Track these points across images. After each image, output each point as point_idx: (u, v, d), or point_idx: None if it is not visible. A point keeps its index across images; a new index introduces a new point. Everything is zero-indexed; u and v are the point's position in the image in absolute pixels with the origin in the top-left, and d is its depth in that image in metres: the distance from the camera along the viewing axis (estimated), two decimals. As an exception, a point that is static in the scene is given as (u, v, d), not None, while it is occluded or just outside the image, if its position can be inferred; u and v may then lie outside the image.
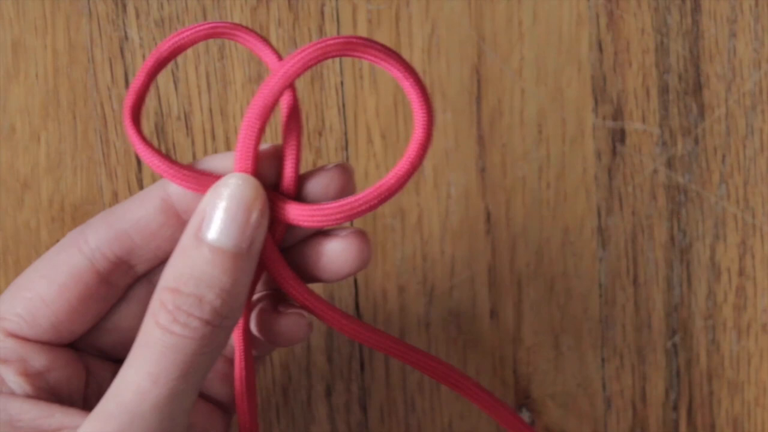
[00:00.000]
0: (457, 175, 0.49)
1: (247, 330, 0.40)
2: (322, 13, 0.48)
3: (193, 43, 0.38)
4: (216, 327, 0.36)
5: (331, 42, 0.37)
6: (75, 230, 0.39)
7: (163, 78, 0.49)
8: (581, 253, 0.50)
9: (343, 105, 0.49)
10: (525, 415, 0.51)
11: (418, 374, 0.50)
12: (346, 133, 0.49)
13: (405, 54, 0.49)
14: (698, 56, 0.49)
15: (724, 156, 0.49)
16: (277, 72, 0.37)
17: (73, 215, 0.49)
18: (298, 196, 0.38)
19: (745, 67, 0.49)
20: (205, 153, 0.49)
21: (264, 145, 0.38)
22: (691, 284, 0.50)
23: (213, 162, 0.38)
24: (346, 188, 0.38)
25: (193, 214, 0.37)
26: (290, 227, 0.39)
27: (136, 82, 0.38)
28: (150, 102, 0.49)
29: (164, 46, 0.38)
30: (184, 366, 0.36)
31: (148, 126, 0.49)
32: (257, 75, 0.49)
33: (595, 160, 0.49)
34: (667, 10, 0.48)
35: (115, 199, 0.49)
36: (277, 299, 0.40)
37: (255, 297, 0.40)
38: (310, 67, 0.37)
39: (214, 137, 0.49)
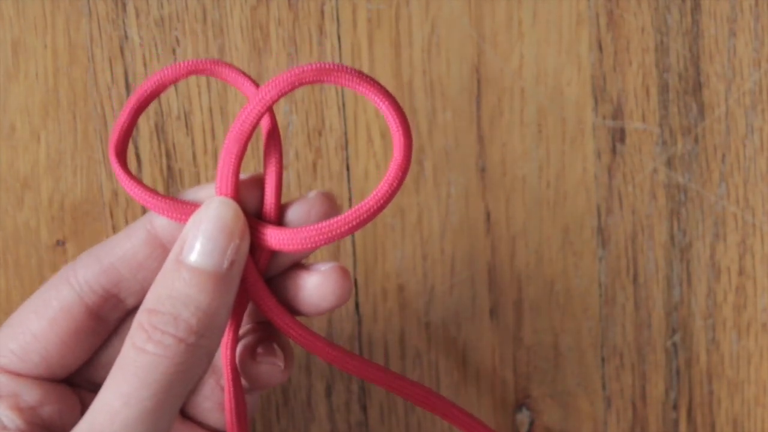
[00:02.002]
0: (457, 175, 0.49)
1: (234, 361, 0.40)
2: (322, 12, 0.48)
3: (174, 81, 0.39)
4: (191, 346, 0.36)
5: (306, 68, 0.37)
6: (66, 266, 0.40)
7: (163, 77, 0.49)
8: (581, 253, 0.50)
9: (343, 105, 0.49)
10: (525, 415, 0.51)
11: (418, 373, 0.50)
12: (346, 133, 0.49)
13: (405, 53, 0.49)
14: (698, 56, 0.49)
15: (724, 155, 0.49)
16: (253, 99, 0.38)
17: (73, 215, 0.49)
18: (280, 223, 0.39)
19: (745, 67, 0.49)
20: (205, 153, 0.49)
21: (245, 174, 0.39)
22: (691, 284, 0.50)
23: (197, 193, 0.39)
24: (329, 214, 0.39)
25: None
26: (273, 256, 0.39)
27: (119, 120, 0.39)
28: (150, 101, 0.49)
29: (146, 85, 0.39)
30: (157, 386, 0.36)
31: (148, 126, 0.49)
32: (257, 75, 0.49)
33: (595, 159, 0.49)
34: (667, 10, 0.48)
35: (115, 198, 0.49)
36: (262, 333, 0.40)
37: (241, 331, 0.40)
38: (285, 94, 0.37)
39: (214, 137, 0.49)
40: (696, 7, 0.48)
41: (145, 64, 0.49)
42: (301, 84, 0.37)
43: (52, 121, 0.49)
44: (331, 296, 0.38)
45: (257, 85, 0.38)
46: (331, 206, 0.39)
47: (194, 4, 0.48)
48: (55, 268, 0.49)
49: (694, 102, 0.49)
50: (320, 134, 0.49)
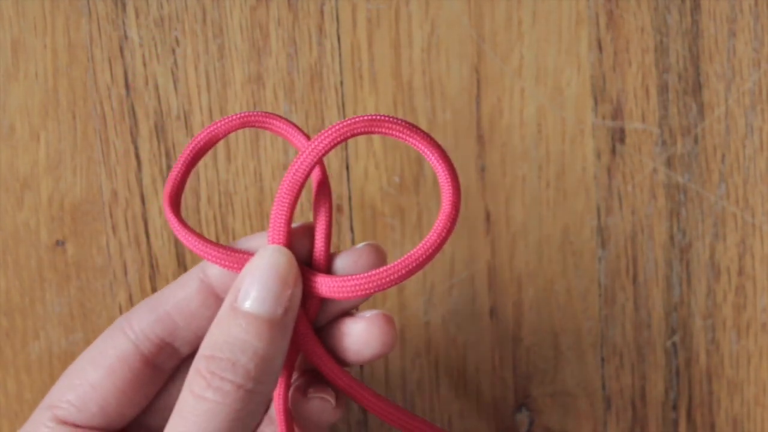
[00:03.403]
0: (457, 175, 0.49)
1: (288, 411, 0.40)
2: (322, 12, 0.48)
3: (227, 132, 0.40)
4: (249, 392, 0.36)
5: (357, 120, 0.38)
6: (121, 317, 0.41)
7: (163, 77, 0.49)
8: (581, 253, 0.50)
9: (343, 104, 0.49)
10: (525, 415, 0.51)
11: (418, 374, 0.50)
12: (345, 133, 0.49)
13: (405, 53, 0.49)
14: (698, 56, 0.49)
15: (723, 155, 0.49)
16: (305, 150, 0.38)
17: (73, 215, 0.49)
18: (329, 272, 0.39)
19: (744, 67, 0.49)
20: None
21: (295, 224, 0.39)
22: (691, 284, 0.50)
23: (249, 242, 0.39)
24: (376, 265, 0.39)
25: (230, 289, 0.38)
26: (322, 305, 0.39)
27: (174, 172, 0.40)
28: (149, 101, 0.49)
29: (200, 136, 0.40)
30: None
31: (147, 126, 0.49)
32: (257, 75, 0.49)
33: (595, 159, 0.49)
34: (667, 10, 0.48)
35: (115, 198, 0.49)
36: (311, 382, 0.41)
37: (293, 380, 0.41)
38: (336, 144, 0.38)
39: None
40: (696, 7, 0.48)
41: (144, 64, 0.49)
42: (352, 135, 0.38)
43: (52, 121, 0.49)
44: (375, 342, 0.39)
45: (308, 137, 0.39)
46: (379, 257, 0.39)
47: (194, 4, 0.48)
48: (55, 268, 0.49)
49: (693, 102, 0.49)
50: (320, 134, 0.49)
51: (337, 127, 0.38)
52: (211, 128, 0.40)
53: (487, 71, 0.49)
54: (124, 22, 0.48)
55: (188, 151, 0.40)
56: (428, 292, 0.50)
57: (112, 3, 0.48)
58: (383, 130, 0.38)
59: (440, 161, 0.38)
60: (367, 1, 0.48)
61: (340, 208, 0.49)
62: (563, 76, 0.49)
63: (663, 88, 0.49)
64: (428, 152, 0.38)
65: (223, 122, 0.40)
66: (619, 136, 0.49)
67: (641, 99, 0.49)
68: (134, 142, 0.49)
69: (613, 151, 0.49)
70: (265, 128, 0.40)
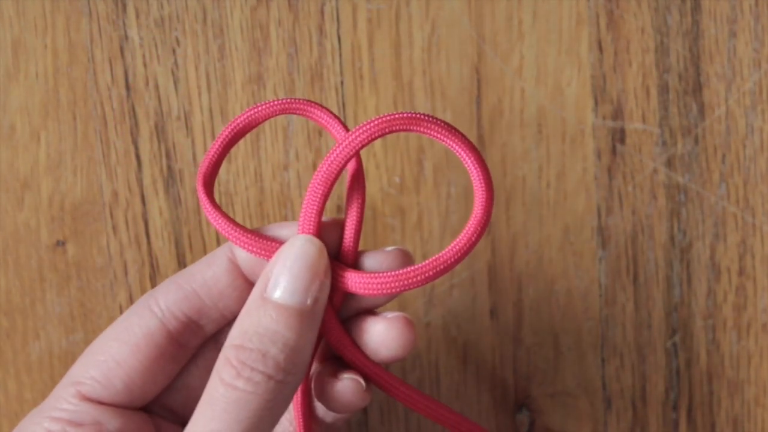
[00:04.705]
0: (457, 175, 0.49)
1: (305, 401, 0.40)
2: (322, 12, 0.48)
3: (267, 117, 0.39)
4: (279, 382, 0.36)
5: (397, 116, 0.38)
6: (147, 293, 0.41)
7: (163, 78, 0.49)
8: (581, 253, 0.50)
9: (343, 105, 0.49)
10: (525, 415, 0.51)
11: (418, 374, 0.50)
12: (346, 133, 0.49)
13: (405, 54, 0.49)
14: (698, 56, 0.49)
15: (724, 155, 0.49)
16: (342, 142, 0.38)
17: (73, 215, 0.49)
18: (356, 268, 0.39)
19: (745, 67, 0.49)
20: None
21: (325, 218, 0.39)
22: (691, 284, 0.50)
23: (279, 230, 0.39)
24: (402, 267, 0.39)
25: (259, 277, 0.38)
26: (345, 300, 0.39)
27: (210, 152, 0.39)
28: (150, 102, 0.49)
29: (240, 118, 0.40)
30: (246, 422, 0.36)
31: (148, 126, 0.49)
32: (257, 75, 0.49)
33: (595, 159, 0.49)
34: (667, 10, 0.48)
35: (115, 198, 0.49)
36: (338, 368, 0.41)
37: (312, 370, 0.41)
38: (375, 138, 0.38)
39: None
40: (696, 7, 0.48)
41: (145, 65, 0.49)
42: (391, 131, 0.38)
43: (52, 121, 0.49)
44: (393, 344, 0.39)
45: (347, 128, 0.39)
46: (406, 262, 0.39)
47: (194, 4, 0.48)
48: (55, 268, 0.49)
49: (694, 102, 0.49)
50: (320, 134, 0.49)
51: (377, 122, 0.38)
52: (252, 111, 0.39)
53: (488, 71, 0.49)
54: (124, 23, 0.48)
55: (226, 132, 0.39)
56: (428, 293, 0.50)
57: (112, 3, 0.48)
58: (422, 129, 0.38)
59: (476, 165, 0.38)
60: (368, 1, 0.48)
61: (340, 209, 0.49)
62: (563, 76, 0.49)
63: (663, 89, 0.49)
64: (465, 155, 0.38)
65: (263, 106, 0.39)
66: (619, 137, 0.49)
67: (642, 99, 0.49)
68: (134, 142, 0.49)
69: (614, 151, 0.49)
70: (305, 116, 0.40)
